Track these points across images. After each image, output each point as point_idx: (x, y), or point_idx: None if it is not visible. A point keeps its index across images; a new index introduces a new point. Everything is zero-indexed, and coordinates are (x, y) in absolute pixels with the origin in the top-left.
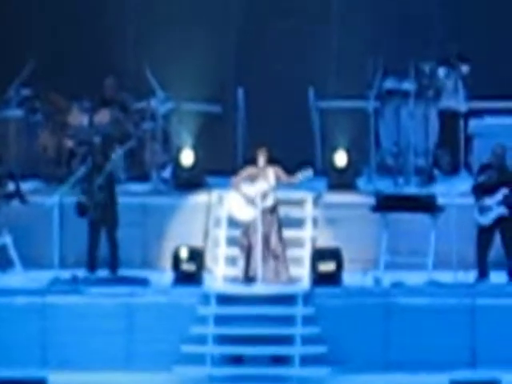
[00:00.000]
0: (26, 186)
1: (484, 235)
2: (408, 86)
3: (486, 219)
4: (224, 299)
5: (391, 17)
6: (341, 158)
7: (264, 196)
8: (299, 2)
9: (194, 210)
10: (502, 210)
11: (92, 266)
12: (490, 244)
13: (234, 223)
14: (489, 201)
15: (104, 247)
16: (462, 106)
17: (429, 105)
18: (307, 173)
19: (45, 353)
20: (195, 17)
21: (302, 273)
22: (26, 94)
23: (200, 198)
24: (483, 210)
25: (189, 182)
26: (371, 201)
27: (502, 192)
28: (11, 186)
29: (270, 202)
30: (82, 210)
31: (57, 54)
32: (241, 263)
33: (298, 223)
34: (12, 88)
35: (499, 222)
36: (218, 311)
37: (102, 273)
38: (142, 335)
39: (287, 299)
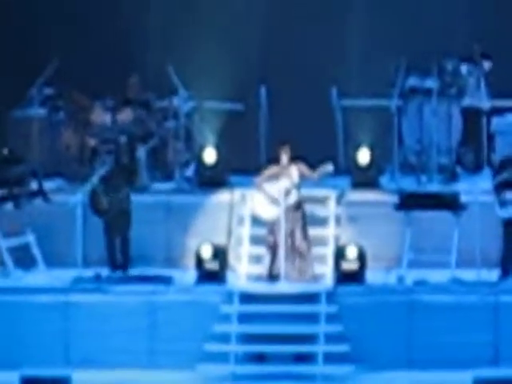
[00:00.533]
0: (48, 184)
1: (508, 231)
2: (431, 83)
3: (508, 213)
4: (247, 297)
5: (414, 14)
6: (364, 156)
7: (287, 193)
8: (321, 1)
9: (216, 209)
10: None
11: (114, 265)
12: None
13: (257, 221)
14: (510, 195)
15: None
16: (485, 103)
17: (451, 102)
18: (328, 168)
19: (68, 351)
20: (218, 15)
21: (326, 271)
22: (48, 92)
23: (223, 197)
24: (505, 204)
25: (212, 180)
26: (394, 199)
27: None
28: (34, 185)
29: (293, 199)
30: (98, 208)
31: (80, 52)
32: (266, 261)
33: (322, 221)
34: (35, 87)
35: None
36: (241, 309)
37: (130, 271)
38: (165, 333)
39: (310, 297)
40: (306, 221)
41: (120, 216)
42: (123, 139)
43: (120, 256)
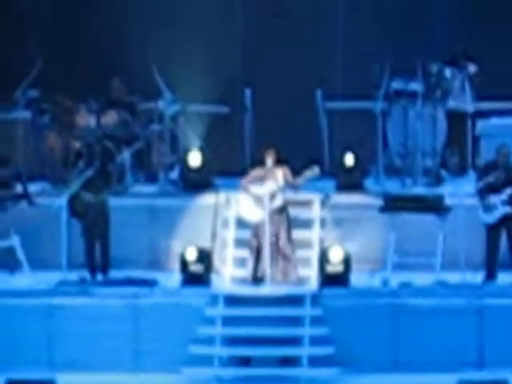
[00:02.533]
0: (33, 187)
1: (491, 235)
2: (415, 86)
3: (491, 218)
4: (232, 300)
5: (398, 17)
6: (349, 159)
7: (272, 196)
8: (306, 3)
9: (201, 211)
10: (508, 209)
11: (93, 269)
12: (498, 244)
13: (242, 224)
14: (494, 199)
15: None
16: (470, 106)
17: (436, 105)
18: (314, 171)
19: (53, 354)
20: (202, 18)
21: (310, 274)
22: (33, 95)
23: (208, 199)
24: (488, 208)
25: (196, 183)
26: (379, 201)
27: (508, 191)
28: (19, 188)
29: (278, 202)
30: (77, 211)
31: (64, 55)
32: (250, 264)
33: (306, 224)
34: (19, 90)
35: (505, 220)
36: (225, 312)
37: (112, 274)
38: (149, 336)
39: (295, 300)
40: (291, 224)
41: (99, 219)
42: (105, 141)
43: (100, 259)
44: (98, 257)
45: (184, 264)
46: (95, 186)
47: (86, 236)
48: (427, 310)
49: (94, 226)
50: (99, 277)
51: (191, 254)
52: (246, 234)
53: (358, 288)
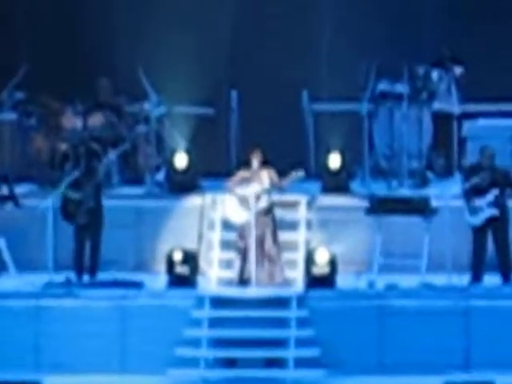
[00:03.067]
0: (19, 189)
1: (478, 237)
2: (401, 88)
3: (478, 220)
4: (218, 302)
5: (385, 19)
6: (334, 161)
7: (258, 198)
8: (292, 5)
9: (187, 213)
10: (493, 211)
11: (80, 270)
12: (484, 246)
13: (228, 226)
14: (480, 202)
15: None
16: (456, 108)
17: (422, 107)
18: (300, 174)
19: (39, 356)
20: (188, 19)
21: (296, 275)
22: (19, 97)
23: (194, 201)
24: (474, 210)
25: (182, 184)
26: (365, 203)
27: (493, 193)
28: (5, 190)
29: (263, 203)
30: (69, 214)
31: (50, 57)
32: (236, 265)
33: (292, 226)
34: (5, 91)
35: (491, 222)
36: (212, 314)
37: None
38: (135, 338)
39: (281, 302)
40: (276, 225)
41: (91, 221)
42: (91, 143)
43: (88, 261)
44: (86, 259)
45: (170, 266)
46: (84, 188)
47: (76, 237)
48: (413, 312)
49: (85, 227)
50: (86, 278)
51: (177, 256)
52: (232, 236)
53: (343, 290)
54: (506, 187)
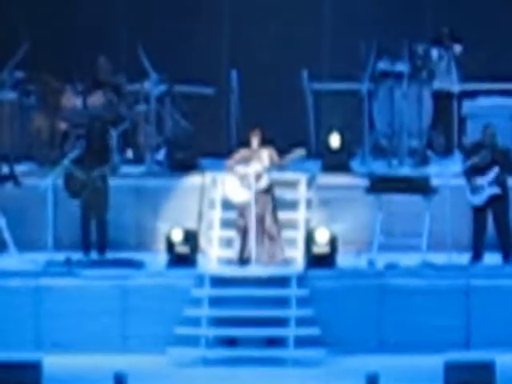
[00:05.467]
0: (19, 168)
1: (478, 216)
2: (401, 67)
3: (479, 199)
4: (218, 281)
5: None
6: (335, 140)
7: (258, 177)
8: None
9: (187, 192)
10: (495, 189)
11: (87, 248)
12: (485, 225)
13: (228, 205)
14: (481, 180)
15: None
16: (456, 86)
17: (422, 86)
18: (301, 152)
19: (39, 335)
20: None
21: (296, 255)
22: (19, 76)
23: (194, 180)
24: (476, 190)
25: (183, 163)
26: (365, 182)
27: (494, 171)
28: (5, 169)
29: (264, 183)
30: (73, 190)
31: (50, 36)
32: (236, 245)
33: (292, 205)
34: (5, 71)
35: (492, 201)
36: (212, 293)
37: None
38: (136, 317)
39: (281, 281)
40: (276, 205)
41: (96, 198)
42: (94, 123)
43: (96, 238)
44: (93, 236)
45: (170, 245)
46: (88, 164)
47: (82, 215)
48: (413, 291)
49: (90, 205)
50: (94, 256)
51: (177, 235)
52: (233, 215)
53: (344, 269)
54: (507, 166)
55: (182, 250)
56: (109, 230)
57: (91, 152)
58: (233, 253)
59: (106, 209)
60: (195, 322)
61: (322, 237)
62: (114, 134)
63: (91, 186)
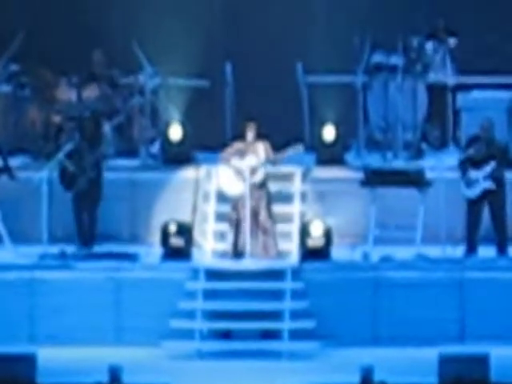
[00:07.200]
0: (14, 161)
1: (473, 209)
2: (396, 60)
3: (473, 192)
4: (213, 274)
5: None
6: (329, 133)
7: (253, 171)
8: None
9: (182, 185)
10: (490, 183)
11: (84, 240)
12: (479, 218)
13: (223, 198)
14: (476, 174)
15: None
16: (450, 79)
17: (417, 79)
18: (297, 148)
19: (34, 328)
20: None
21: (291, 248)
22: (14, 69)
23: (188, 173)
24: (470, 183)
25: (177, 157)
26: (360, 175)
27: (490, 165)
28: None
29: (259, 176)
30: (68, 182)
31: (45, 28)
32: (230, 238)
33: (287, 198)
34: (0, 63)
35: (487, 195)
36: (206, 286)
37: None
38: (130, 310)
39: (276, 274)
40: (271, 198)
41: (89, 189)
42: (86, 115)
43: (87, 232)
44: (85, 229)
45: (165, 238)
46: (82, 157)
47: (74, 206)
48: (408, 284)
49: (83, 198)
50: (84, 250)
51: (172, 228)
52: (227, 208)
53: (338, 262)
54: (504, 160)
55: (177, 242)
56: (103, 223)
57: (84, 144)
58: (227, 246)
59: (98, 201)
60: (190, 314)
61: (316, 230)
62: (107, 126)
63: (84, 176)
